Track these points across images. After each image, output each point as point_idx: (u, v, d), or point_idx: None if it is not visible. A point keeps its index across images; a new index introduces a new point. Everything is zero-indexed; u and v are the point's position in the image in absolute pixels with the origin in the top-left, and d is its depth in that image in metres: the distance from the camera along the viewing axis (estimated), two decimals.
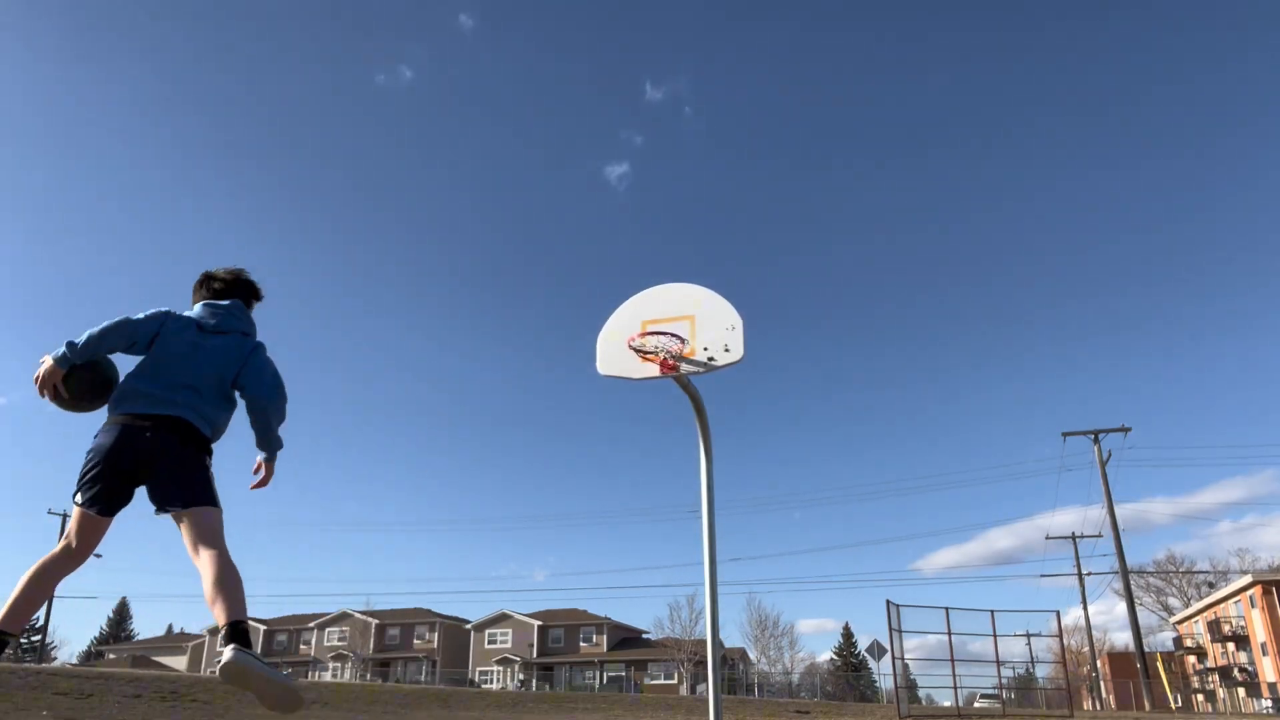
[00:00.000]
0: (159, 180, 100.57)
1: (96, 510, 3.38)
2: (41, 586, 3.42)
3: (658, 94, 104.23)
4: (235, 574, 3.32)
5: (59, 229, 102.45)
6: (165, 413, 3.46)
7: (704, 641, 43.36)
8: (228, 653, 3.01)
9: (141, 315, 3.59)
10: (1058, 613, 20.05)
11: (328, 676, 62.40)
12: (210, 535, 3.43)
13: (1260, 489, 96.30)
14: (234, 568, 3.35)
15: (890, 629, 16.05)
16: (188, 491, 3.46)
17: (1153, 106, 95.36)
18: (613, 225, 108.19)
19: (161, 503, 3.46)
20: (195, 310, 3.76)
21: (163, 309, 3.67)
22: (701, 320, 6.01)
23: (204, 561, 3.33)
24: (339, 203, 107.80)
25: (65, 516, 46.40)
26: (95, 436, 3.45)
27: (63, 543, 3.48)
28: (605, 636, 62.56)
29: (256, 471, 3.87)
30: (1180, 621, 60.57)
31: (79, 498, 3.38)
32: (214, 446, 3.75)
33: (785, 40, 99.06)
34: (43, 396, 3.51)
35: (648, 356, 5.96)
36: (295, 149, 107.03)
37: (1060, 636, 22.10)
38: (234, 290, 3.91)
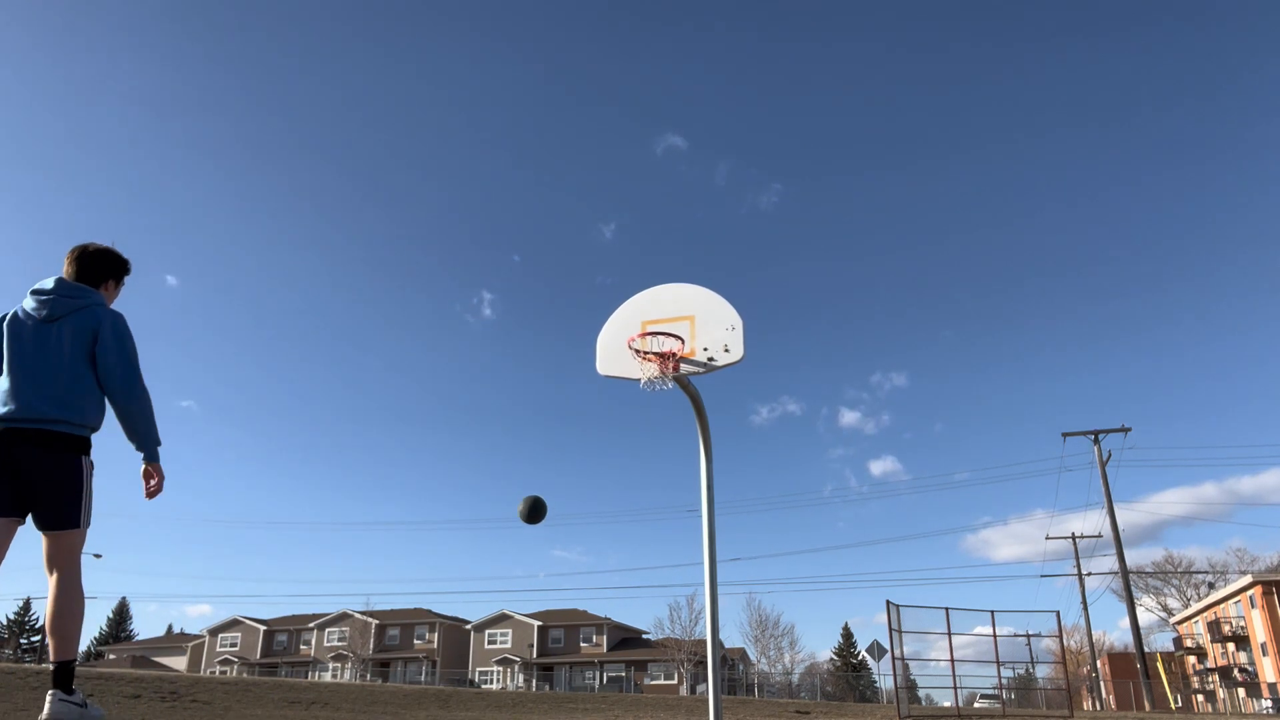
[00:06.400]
0: (162, 180, 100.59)
1: None
2: None
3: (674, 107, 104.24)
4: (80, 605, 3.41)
5: (61, 228, 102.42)
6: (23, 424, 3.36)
7: (704, 641, 43.33)
8: (49, 702, 3.22)
9: None
10: (1058, 613, 20.03)
11: (328, 676, 62.37)
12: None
13: (1260, 489, 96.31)
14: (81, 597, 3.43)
15: (890, 629, 16.03)
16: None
17: (1153, 110, 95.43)
18: (609, 233, 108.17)
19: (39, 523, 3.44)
20: (27, 302, 3.51)
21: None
22: (701, 320, 6.00)
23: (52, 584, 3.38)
24: (339, 203, 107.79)
25: None
26: None
27: None
28: (605, 637, 62.53)
29: (148, 481, 3.57)
30: (1180, 622, 60.55)
31: None
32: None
33: (785, 47, 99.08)
34: None
35: (648, 357, 5.96)
36: (301, 149, 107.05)
37: (1060, 637, 22.06)
38: (78, 269, 3.61)
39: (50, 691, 3.26)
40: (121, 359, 3.45)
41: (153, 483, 3.54)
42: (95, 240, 3.75)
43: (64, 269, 3.63)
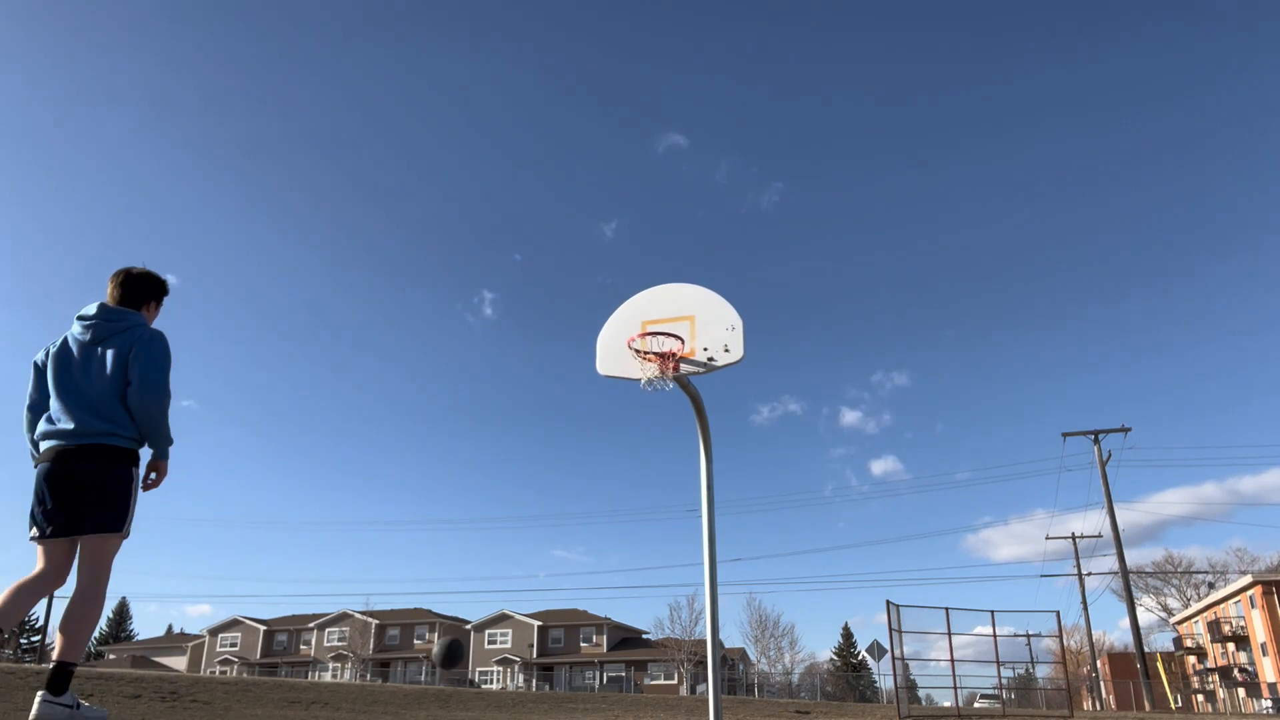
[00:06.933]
0: (162, 180, 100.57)
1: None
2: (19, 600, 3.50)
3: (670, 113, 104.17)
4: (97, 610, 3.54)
5: (62, 228, 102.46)
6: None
7: (704, 641, 43.33)
8: (36, 703, 3.28)
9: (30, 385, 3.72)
10: (1058, 613, 20.01)
11: (328, 676, 62.38)
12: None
13: (1261, 489, 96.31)
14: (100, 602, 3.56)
15: (890, 629, 16.03)
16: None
17: (1153, 112, 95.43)
18: (610, 232, 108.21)
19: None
20: (74, 328, 3.76)
21: (39, 354, 3.76)
22: (701, 320, 6.00)
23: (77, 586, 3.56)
24: (340, 203, 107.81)
25: None
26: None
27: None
28: (605, 636, 62.53)
29: (150, 474, 3.79)
30: (1180, 622, 60.54)
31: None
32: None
33: (786, 46, 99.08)
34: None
35: (648, 357, 5.95)
36: (302, 149, 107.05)
37: (1060, 637, 22.05)
38: (122, 293, 3.87)
39: (40, 692, 3.31)
40: (148, 364, 3.64)
41: (153, 476, 3.75)
42: (137, 263, 4.02)
43: (108, 291, 3.86)
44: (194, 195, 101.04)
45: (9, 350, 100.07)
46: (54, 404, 3.61)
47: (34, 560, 3.52)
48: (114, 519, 3.54)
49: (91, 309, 3.73)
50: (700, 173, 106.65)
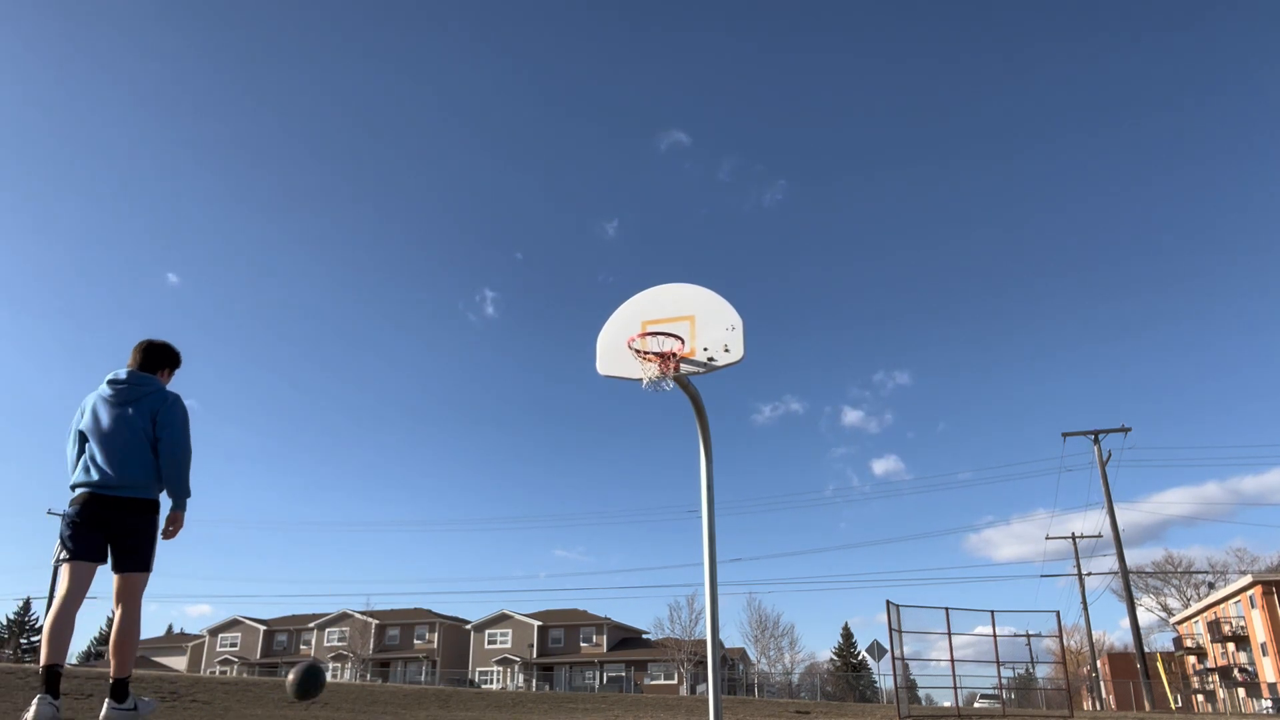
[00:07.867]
0: (162, 180, 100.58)
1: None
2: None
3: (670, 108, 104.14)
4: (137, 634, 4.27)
5: (63, 228, 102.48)
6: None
7: (704, 641, 43.33)
8: (105, 708, 4.00)
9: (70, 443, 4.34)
10: (1058, 613, 20.02)
11: (327, 677, 62.30)
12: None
13: (1263, 488, 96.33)
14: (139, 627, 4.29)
15: (890, 629, 16.04)
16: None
17: (1154, 110, 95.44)
18: (612, 230, 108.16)
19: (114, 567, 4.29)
20: (103, 390, 4.37)
21: (77, 416, 4.36)
22: (701, 320, 6.00)
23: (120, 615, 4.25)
24: (340, 202, 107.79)
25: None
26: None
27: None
28: (605, 637, 62.54)
29: (168, 525, 4.39)
30: (1180, 622, 60.56)
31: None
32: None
33: (791, 44, 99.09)
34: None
35: (648, 357, 5.95)
36: (302, 149, 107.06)
37: (1060, 637, 22.06)
38: (143, 359, 4.51)
39: (106, 700, 4.02)
40: (176, 426, 4.32)
41: (172, 528, 4.34)
42: (158, 336, 4.70)
43: (130, 358, 4.49)
44: (193, 195, 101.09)
45: (9, 350, 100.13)
46: (93, 455, 4.20)
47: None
48: (145, 562, 4.27)
49: (122, 374, 4.36)
50: (703, 171, 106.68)
